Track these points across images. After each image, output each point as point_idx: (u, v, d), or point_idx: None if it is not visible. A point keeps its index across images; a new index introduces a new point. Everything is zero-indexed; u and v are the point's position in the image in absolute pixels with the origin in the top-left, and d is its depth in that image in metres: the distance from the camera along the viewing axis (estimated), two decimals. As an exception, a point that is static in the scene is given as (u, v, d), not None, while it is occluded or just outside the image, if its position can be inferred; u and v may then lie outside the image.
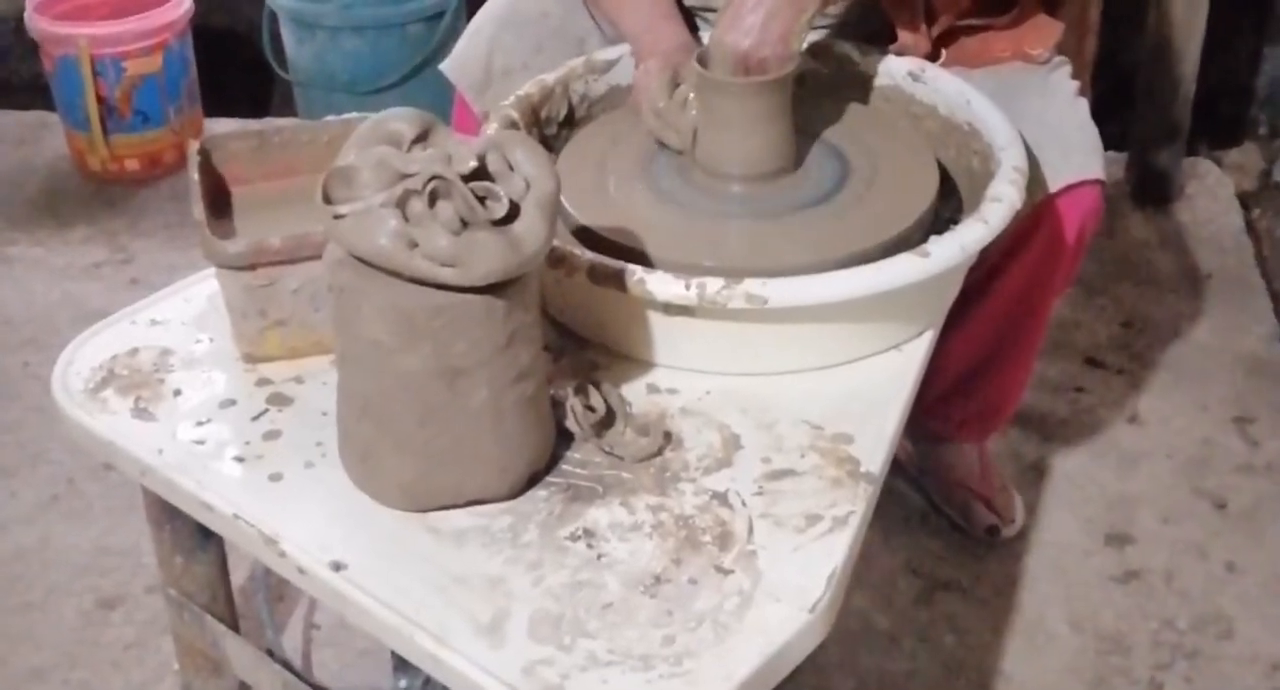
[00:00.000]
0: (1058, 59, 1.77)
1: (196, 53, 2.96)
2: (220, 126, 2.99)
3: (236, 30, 3.14)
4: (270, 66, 2.96)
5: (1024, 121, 1.60)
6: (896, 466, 2.01)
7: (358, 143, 1.19)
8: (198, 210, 1.35)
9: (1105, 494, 2.14)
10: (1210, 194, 2.84)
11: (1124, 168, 2.84)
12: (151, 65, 2.84)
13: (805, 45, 1.54)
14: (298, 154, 1.48)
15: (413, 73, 2.78)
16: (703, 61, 1.52)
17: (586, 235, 1.47)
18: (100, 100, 2.82)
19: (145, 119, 2.87)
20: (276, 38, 2.92)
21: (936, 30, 1.71)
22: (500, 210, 1.15)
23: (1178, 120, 2.76)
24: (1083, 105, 1.74)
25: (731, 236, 1.51)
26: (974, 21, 1.73)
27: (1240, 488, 2.15)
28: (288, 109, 3.07)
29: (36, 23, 2.85)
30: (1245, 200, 2.84)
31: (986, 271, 1.70)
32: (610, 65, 1.72)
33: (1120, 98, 2.79)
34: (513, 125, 1.59)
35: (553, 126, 1.68)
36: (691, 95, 1.55)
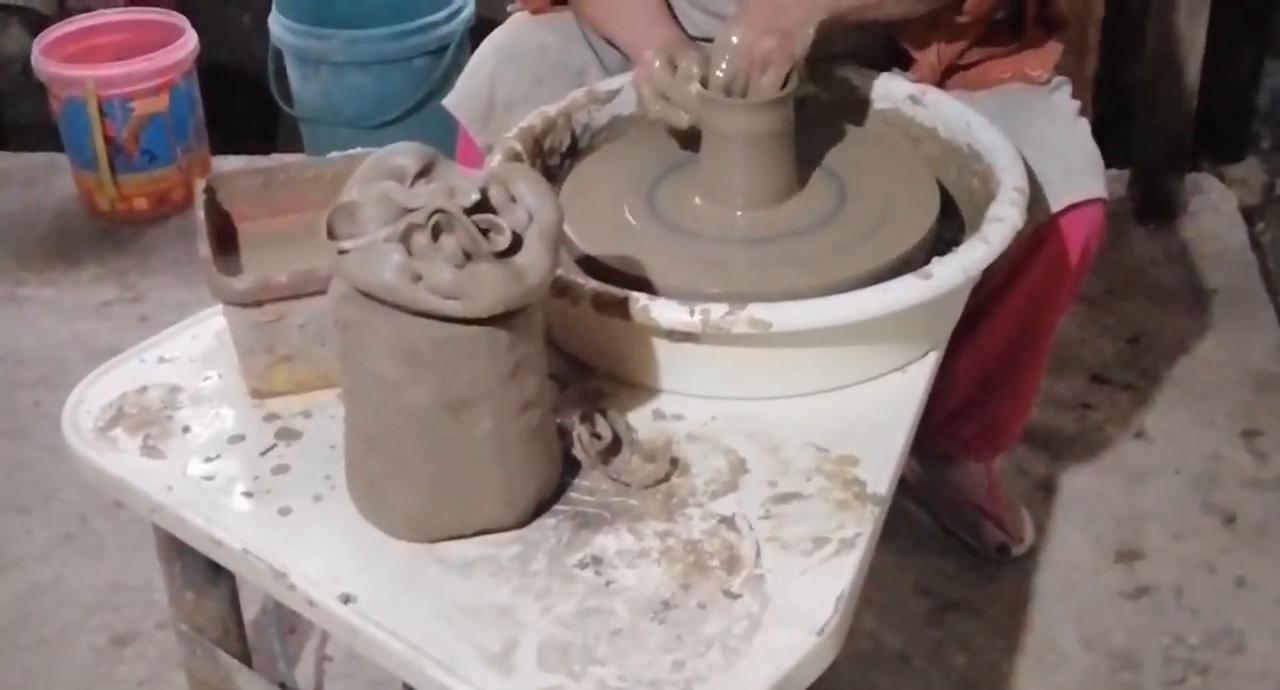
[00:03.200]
0: (1058, 80, 1.78)
1: (202, 90, 2.98)
2: (227, 164, 3.02)
3: (242, 67, 3.16)
4: (276, 103, 2.97)
5: (1025, 142, 1.61)
6: (904, 486, 2.02)
7: (361, 178, 1.20)
8: (204, 248, 1.36)
9: (1114, 510, 2.14)
10: (1214, 209, 2.84)
11: (1127, 185, 2.84)
12: (158, 105, 2.86)
13: (809, 44, 1.55)
14: (303, 190, 1.50)
15: (418, 106, 2.80)
16: (704, 83, 1.54)
17: (590, 264, 1.48)
18: (108, 140, 2.84)
19: (152, 158, 2.88)
20: (282, 74, 2.94)
21: (946, 60, 1.72)
22: (503, 242, 1.16)
23: (1180, 137, 2.77)
24: (1083, 125, 1.75)
25: (734, 262, 1.52)
26: (979, 52, 1.74)
27: (1249, 502, 2.15)
28: (294, 144, 3.09)
29: (44, 65, 2.87)
30: (1249, 215, 2.84)
31: (991, 292, 1.71)
32: (612, 95, 1.73)
33: (1122, 115, 2.80)
34: (516, 157, 1.61)
35: (555, 157, 1.69)
36: (694, 68, 1.56)
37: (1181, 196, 2.83)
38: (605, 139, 1.72)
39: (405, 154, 1.21)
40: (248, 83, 3.13)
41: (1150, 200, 2.81)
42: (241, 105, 3.15)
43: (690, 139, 1.62)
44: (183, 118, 2.91)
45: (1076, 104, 1.78)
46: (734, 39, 1.52)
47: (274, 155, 3.14)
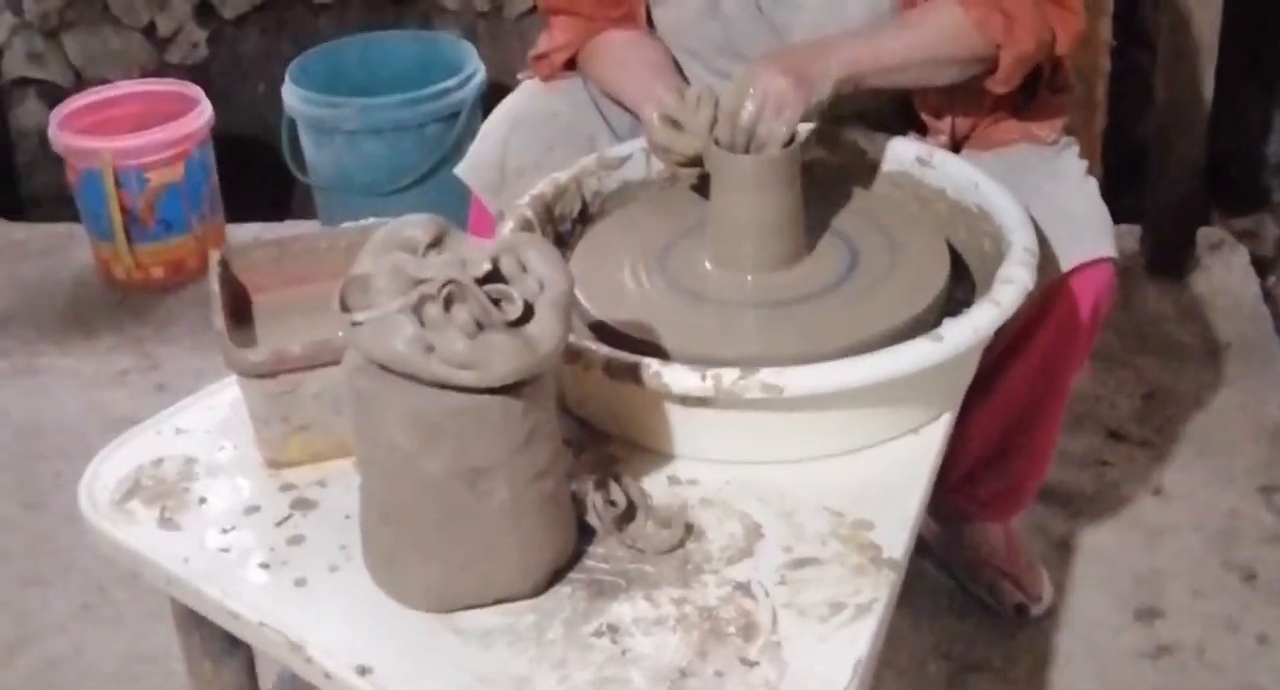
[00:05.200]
0: (1065, 139, 1.80)
1: (217, 158, 3.01)
2: (242, 231, 3.04)
3: (256, 136, 3.20)
4: (290, 170, 3.00)
5: (1034, 203, 1.62)
6: (922, 546, 2.01)
7: (373, 250, 1.21)
8: (218, 321, 1.37)
9: (1133, 569, 2.13)
10: (1225, 263, 2.84)
11: (1139, 240, 2.84)
12: (173, 175, 2.89)
13: (826, 97, 1.58)
14: (316, 261, 1.51)
15: (431, 172, 2.82)
16: (717, 140, 1.55)
17: (602, 329, 1.49)
18: (124, 211, 2.86)
19: (168, 227, 2.91)
20: (295, 142, 2.96)
21: (962, 130, 1.75)
22: (515, 312, 1.17)
23: (1190, 192, 2.78)
24: (1092, 184, 1.76)
25: (746, 326, 1.53)
26: (990, 115, 1.76)
27: (1269, 559, 2.14)
28: (308, 211, 3.11)
29: (60, 137, 2.90)
30: (1261, 268, 2.84)
31: (1003, 352, 1.71)
32: (622, 161, 1.75)
33: (1132, 171, 2.81)
34: (527, 224, 1.62)
35: (567, 223, 1.70)
36: (702, 95, 1.58)
37: (1193, 251, 2.83)
38: (616, 204, 1.74)
39: (416, 225, 1.22)
40: (262, 150, 3.16)
41: (1162, 255, 2.81)
42: (256, 173, 3.18)
43: (700, 199, 1.63)
44: (198, 187, 2.94)
45: (1084, 163, 1.79)
46: (752, 76, 1.53)
47: (288, 222, 3.17)
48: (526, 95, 1.88)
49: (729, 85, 1.56)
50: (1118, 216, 1.77)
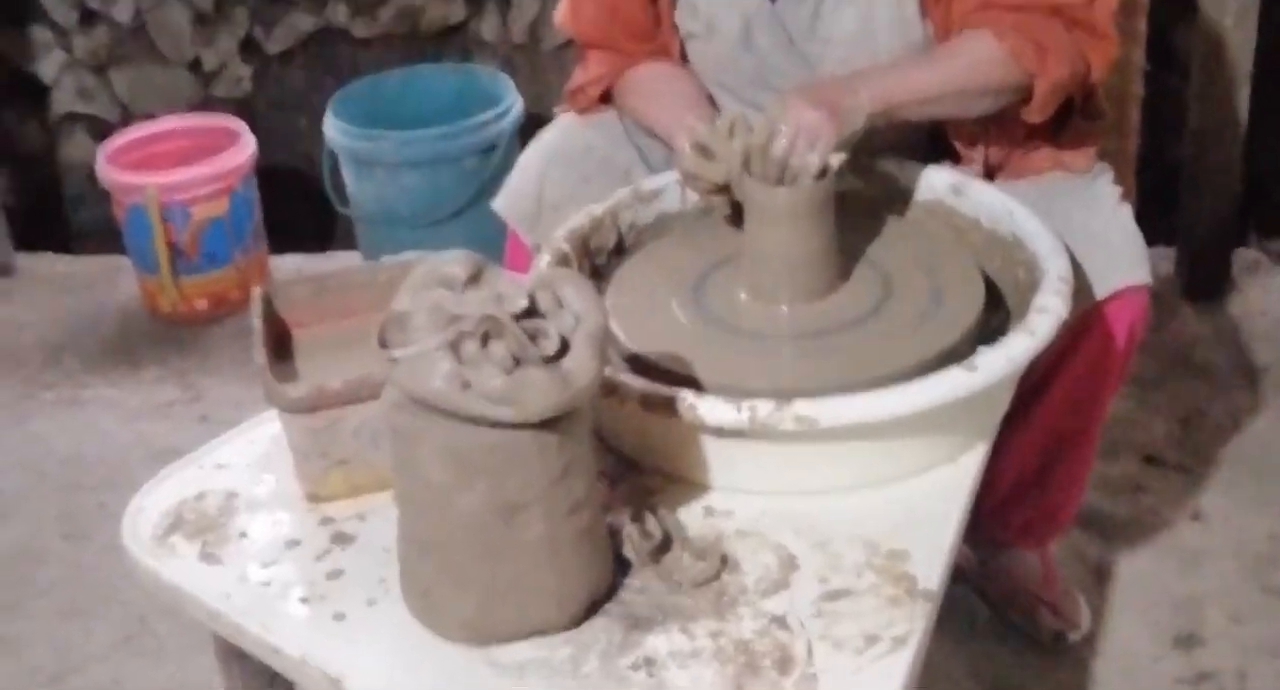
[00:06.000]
0: (1099, 166, 1.80)
1: (261, 190, 3.04)
2: (285, 263, 3.08)
3: (299, 168, 3.24)
4: (331, 202, 3.03)
5: (1068, 231, 1.63)
6: (958, 573, 2.00)
7: (412, 287, 1.23)
8: (259, 357, 1.39)
9: (1171, 595, 2.12)
10: (1262, 285, 2.83)
11: (1174, 263, 2.84)
12: (218, 209, 2.92)
13: (859, 130, 1.59)
14: (355, 296, 1.53)
15: (470, 204, 2.84)
16: (750, 173, 1.56)
17: (638, 362, 1.50)
18: (169, 244, 2.90)
19: (212, 259, 2.94)
20: (337, 175, 2.99)
21: (995, 159, 1.76)
22: (551, 347, 1.18)
23: (1225, 213, 2.77)
24: (1126, 211, 1.76)
25: (781, 357, 1.54)
26: (1023, 144, 1.77)
27: (1309, 583, 2.13)
28: (349, 242, 3.14)
29: (108, 172, 2.94)
30: (1298, 290, 2.84)
31: (1038, 380, 1.71)
32: (656, 194, 1.76)
33: (1166, 193, 2.80)
34: (564, 258, 1.63)
35: (603, 255, 1.71)
36: (734, 123, 1.59)
37: (1229, 273, 2.82)
38: (651, 237, 1.75)
39: (454, 262, 1.24)
40: (304, 183, 3.20)
41: (1198, 278, 2.80)
42: (298, 204, 3.22)
43: (734, 230, 1.64)
44: (241, 220, 2.97)
45: (1118, 190, 1.79)
46: (784, 109, 1.55)
47: (330, 253, 3.20)
48: (562, 129, 1.90)
49: (761, 117, 1.58)
50: (1152, 239, 1.77)
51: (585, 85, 1.89)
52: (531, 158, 1.87)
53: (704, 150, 1.61)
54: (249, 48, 3.28)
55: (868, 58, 1.71)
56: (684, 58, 1.86)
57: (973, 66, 1.66)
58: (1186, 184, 2.78)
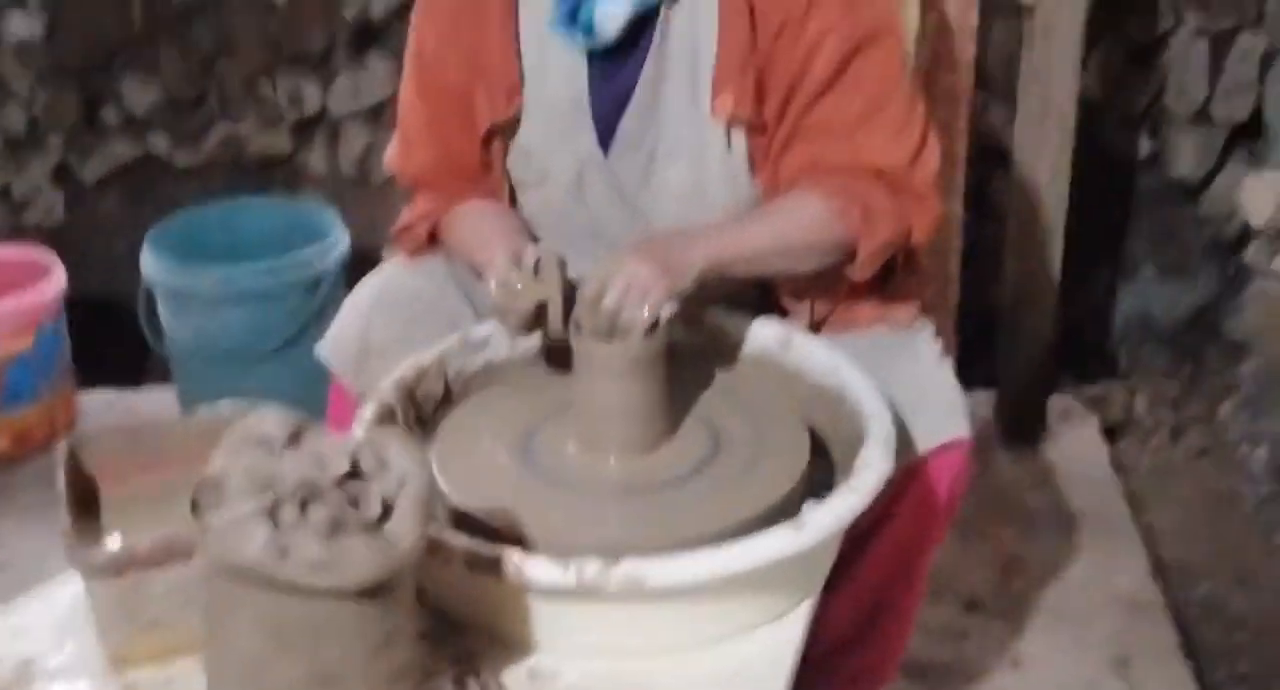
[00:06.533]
0: (920, 321, 1.84)
1: (72, 321, 2.94)
2: (95, 398, 2.97)
3: (113, 299, 3.13)
4: (145, 334, 2.94)
5: (891, 385, 1.65)
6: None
7: (228, 449, 1.19)
8: (64, 520, 1.33)
9: (995, 740, 2.13)
10: (1076, 431, 2.90)
11: (993, 408, 2.90)
12: (23, 344, 2.81)
13: (690, 286, 1.60)
14: (169, 448, 1.48)
15: (293, 340, 2.78)
16: (578, 325, 1.56)
17: (464, 517, 1.47)
18: (-31, 380, 2.79)
19: (16, 397, 2.82)
20: (152, 311, 2.90)
21: (821, 314, 1.80)
22: (373, 512, 1.15)
23: (1040, 360, 2.85)
24: (947, 366, 1.80)
25: (609, 512, 1.52)
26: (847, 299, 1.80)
27: (1125, 730, 2.16)
28: (163, 377, 3.05)
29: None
30: (1111, 435, 2.91)
31: (861, 533, 1.72)
32: (484, 342, 1.75)
33: (985, 338, 2.87)
34: (388, 409, 1.60)
35: (430, 404, 1.69)
36: (540, 258, 1.59)
37: (1045, 420, 2.90)
38: (479, 385, 1.73)
39: (272, 422, 1.21)
40: (118, 314, 3.10)
41: (1015, 424, 2.87)
42: (111, 336, 3.12)
43: (563, 379, 1.63)
44: (48, 356, 2.87)
45: (939, 345, 1.83)
46: (616, 263, 1.55)
47: (143, 388, 3.10)
48: (388, 274, 1.88)
49: (592, 271, 1.58)
50: (971, 383, 1.81)
51: (412, 223, 1.89)
52: (357, 302, 1.85)
53: (508, 286, 1.60)
54: (63, 175, 3.20)
55: (699, 212, 1.73)
56: (514, 204, 1.86)
57: (801, 226, 1.69)
58: (1003, 332, 2.85)
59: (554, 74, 1.77)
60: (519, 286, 1.59)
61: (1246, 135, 3.00)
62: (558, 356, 1.62)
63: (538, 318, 1.60)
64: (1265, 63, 2.93)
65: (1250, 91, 2.95)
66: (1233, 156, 3.02)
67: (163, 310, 2.88)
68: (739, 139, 1.73)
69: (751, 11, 1.69)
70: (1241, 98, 2.96)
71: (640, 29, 1.72)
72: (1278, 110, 2.92)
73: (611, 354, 1.54)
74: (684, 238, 1.64)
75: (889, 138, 1.71)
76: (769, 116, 1.72)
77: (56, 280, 2.89)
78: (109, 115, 3.15)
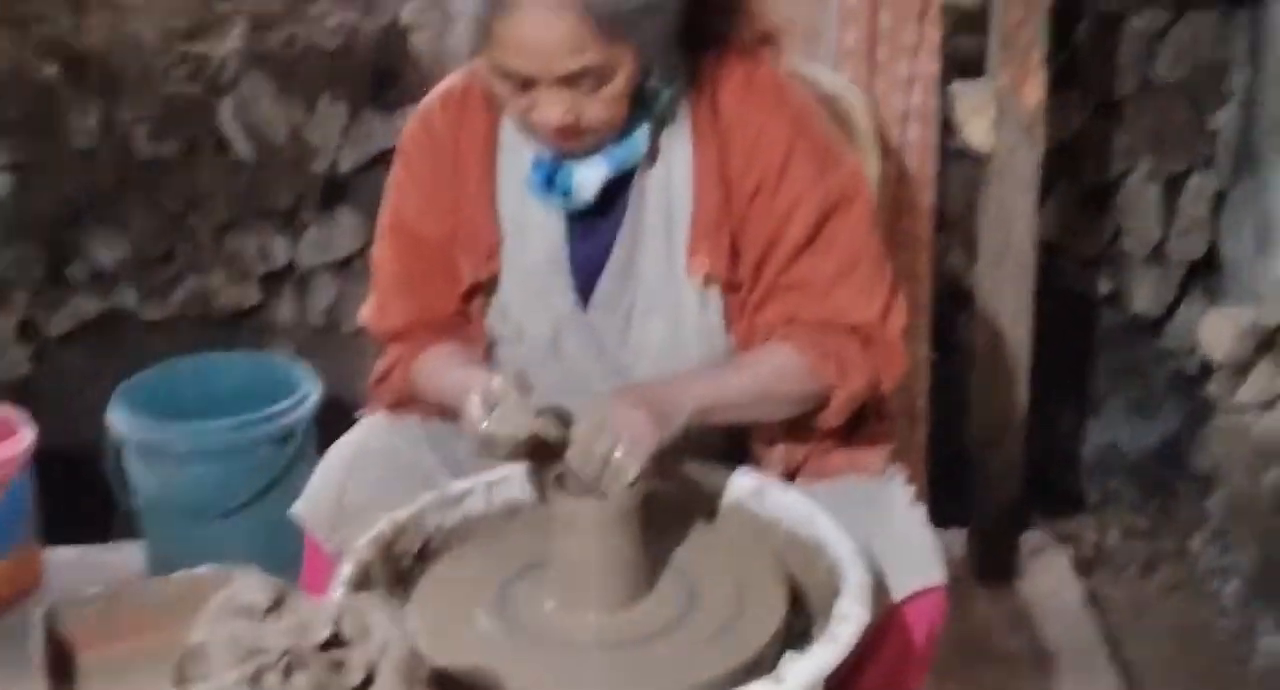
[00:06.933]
0: (892, 468, 1.86)
1: (37, 475, 2.91)
2: (61, 555, 2.93)
3: (80, 453, 3.09)
4: (112, 487, 2.92)
5: (865, 534, 1.66)
6: None
7: (210, 617, 1.19)
8: (40, 688, 1.32)
9: None
10: (1049, 567, 2.90)
11: (965, 546, 2.90)
12: (-11, 502, 2.80)
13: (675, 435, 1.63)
14: (145, 613, 1.48)
15: (263, 494, 2.76)
16: (561, 482, 1.57)
17: (446, 678, 1.46)
18: (-64, 542, 2.75)
19: (-20, 553, 2.80)
20: (120, 466, 2.88)
21: (793, 460, 1.82)
22: (356, 679, 1.15)
23: (1011, 498, 2.86)
24: (920, 513, 1.81)
25: (589, 669, 1.52)
26: (819, 447, 1.83)
27: None
28: (131, 531, 3.01)
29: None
30: (1083, 570, 2.92)
31: (840, 681, 1.71)
32: (461, 497, 1.75)
33: (955, 476, 2.89)
34: (366, 567, 1.60)
35: (408, 560, 1.69)
36: (517, 377, 1.59)
37: (1018, 557, 2.90)
38: (457, 541, 1.73)
39: (255, 589, 1.21)
40: (84, 469, 3.07)
41: (988, 563, 2.87)
42: (77, 491, 3.09)
43: (540, 533, 1.63)
44: (15, 514, 2.83)
45: (911, 490, 1.84)
46: (608, 410, 1.57)
47: (111, 543, 3.06)
48: (364, 433, 1.89)
49: (583, 416, 1.59)
50: (943, 521, 1.82)
51: (387, 372, 1.90)
52: (332, 462, 1.86)
53: (491, 410, 1.59)
54: (27, 329, 3.19)
55: (676, 367, 1.76)
56: (490, 358, 1.88)
57: (780, 376, 1.73)
58: (973, 471, 2.87)
59: (533, 234, 1.81)
60: (509, 414, 1.58)
61: (1203, 272, 3.07)
62: (543, 518, 1.62)
63: (530, 451, 1.60)
64: (1217, 202, 3.01)
65: (1204, 230, 3.03)
66: (1190, 292, 3.09)
67: (132, 465, 2.87)
68: (714, 296, 1.77)
69: (726, 174, 1.74)
70: (1196, 236, 3.03)
71: (616, 189, 1.77)
72: (1232, 247, 2.99)
73: (589, 510, 1.55)
74: (668, 387, 1.68)
75: (861, 295, 1.76)
76: (744, 275, 1.77)
77: (23, 438, 2.86)
78: (76, 270, 3.15)
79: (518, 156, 1.79)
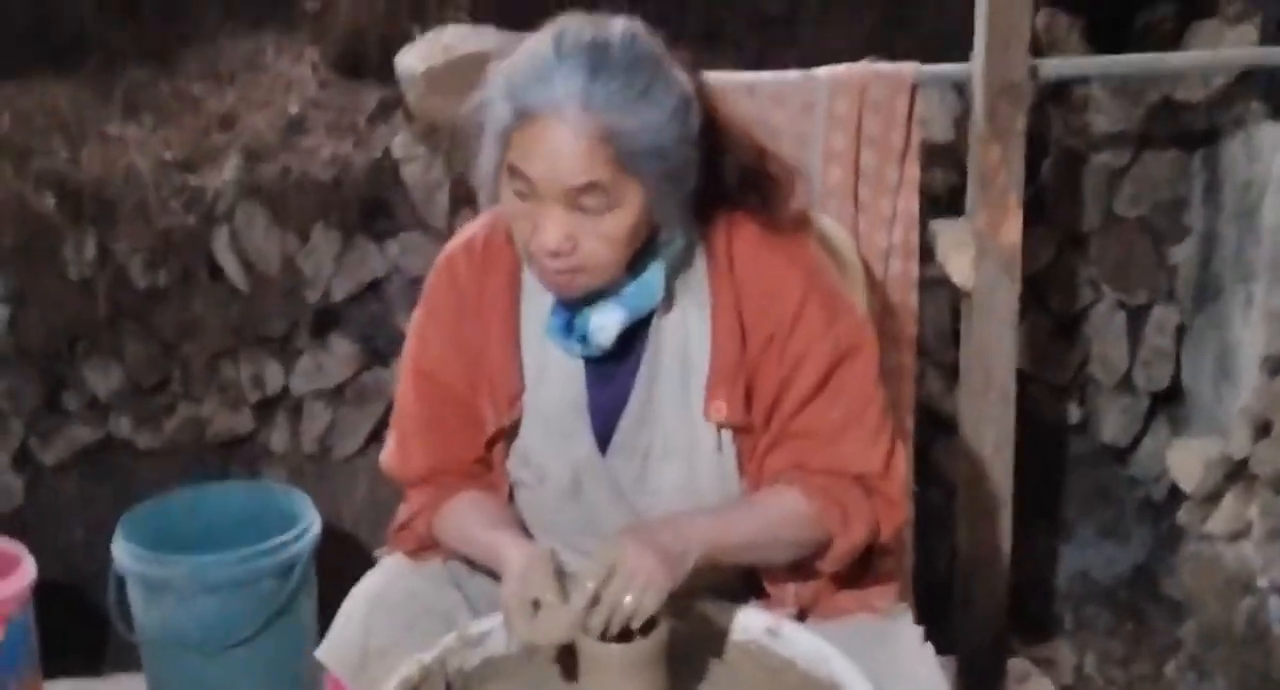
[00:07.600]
0: (899, 607, 1.92)
1: (34, 607, 2.91)
2: (60, 688, 2.91)
3: (74, 583, 3.10)
4: (108, 618, 2.91)
5: (876, 672, 1.71)
6: None
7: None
8: None
9: None
10: (1033, 694, 2.95)
11: (955, 673, 2.92)
12: (-10, 638, 2.79)
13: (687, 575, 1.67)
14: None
15: (265, 627, 2.77)
16: (584, 627, 1.61)
17: None
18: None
19: (-18, 689, 2.78)
20: (122, 597, 2.88)
21: (803, 598, 1.86)
22: None
23: (995, 628, 2.90)
24: (929, 651, 1.88)
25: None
26: (829, 586, 1.88)
27: None
28: (126, 662, 3.01)
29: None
30: (1064, 695, 2.97)
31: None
32: (483, 637, 1.78)
33: (938, 604, 2.93)
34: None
35: (434, 701, 1.72)
36: (571, 574, 1.63)
37: (1005, 684, 2.93)
38: (477, 683, 1.76)
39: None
40: (80, 599, 3.08)
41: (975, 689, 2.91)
42: (72, 622, 3.08)
43: (560, 673, 1.67)
44: (16, 647, 2.81)
45: (919, 630, 1.90)
46: (618, 552, 1.62)
47: (109, 676, 3.04)
48: (385, 574, 1.92)
49: (594, 559, 1.64)
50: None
51: (409, 520, 1.93)
52: (354, 605, 1.89)
53: (535, 604, 1.64)
54: (22, 459, 3.21)
55: (691, 508, 1.80)
56: (511, 501, 1.92)
57: (784, 520, 1.78)
58: (958, 600, 2.91)
59: (553, 379, 1.84)
60: (550, 622, 1.63)
61: (1167, 401, 3.16)
62: (564, 659, 1.67)
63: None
64: (1179, 334, 3.11)
65: (1168, 361, 3.12)
66: (1157, 421, 3.17)
67: (133, 598, 2.86)
68: (728, 439, 1.83)
69: (742, 321, 1.80)
70: (1160, 366, 3.12)
71: (633, 334, 1.81)
72: (1194, 379, 3.08)
73: (616, 655, 1.59)
74: (678, 525, 1.72)
75: (866, 445, 1.81)
76: (756, 419, 1.82)
77: (26, 573, 2.85)
78: (70, 399, 3.18)
79: (540, 303, 1.83)
